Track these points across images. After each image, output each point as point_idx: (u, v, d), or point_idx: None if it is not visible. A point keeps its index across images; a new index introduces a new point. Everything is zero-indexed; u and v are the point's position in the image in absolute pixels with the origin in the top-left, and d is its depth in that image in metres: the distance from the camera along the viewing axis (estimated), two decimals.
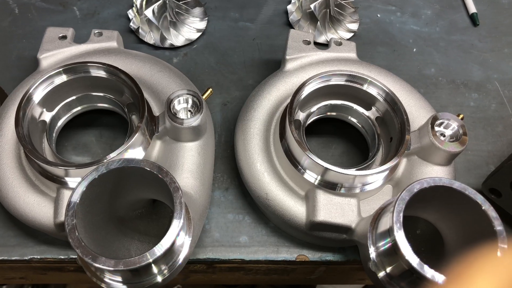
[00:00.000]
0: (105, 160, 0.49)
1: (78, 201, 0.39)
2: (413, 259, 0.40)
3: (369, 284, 0.92)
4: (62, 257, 0.56)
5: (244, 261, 0.58)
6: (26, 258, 0.56)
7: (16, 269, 0.59)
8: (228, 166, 0.65)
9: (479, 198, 0.43)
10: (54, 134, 0.58)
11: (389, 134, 0.60)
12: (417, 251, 0.54)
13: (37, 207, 0.52)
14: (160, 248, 0.39)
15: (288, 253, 0.59)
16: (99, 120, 0.65)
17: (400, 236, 0.42)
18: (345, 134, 0.67)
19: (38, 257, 0.56)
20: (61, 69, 0.53)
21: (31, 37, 0.74)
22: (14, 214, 0.53)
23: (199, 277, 0.66)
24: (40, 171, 0.52)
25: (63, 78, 0.54)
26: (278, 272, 0.63)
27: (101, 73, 0.56)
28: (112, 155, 0.50)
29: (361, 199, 0.57)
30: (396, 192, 0.58)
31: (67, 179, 0.51)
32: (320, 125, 0.65)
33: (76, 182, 0.51)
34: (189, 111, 0.56)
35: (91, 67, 0.55)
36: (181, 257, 0.45)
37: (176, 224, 0.40)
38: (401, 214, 0.43)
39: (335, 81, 0.59)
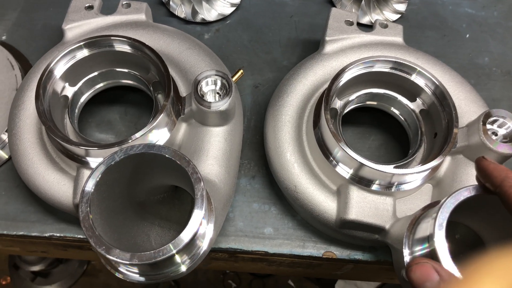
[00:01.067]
0: (129, 141, 0.47)
1: (92, 190, 0.36)
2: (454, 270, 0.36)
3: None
4: (82, 236, 0.55)
5: (268, 254, 0.55)
6: (46, 235, 0.55)
7: (37, 244, 0.59)
8: (256, 153, 0.61)
9: None
10: (76, 110, 0.55)
11: (433, 129, 0.54)
12: (454, 258, 0.51)
13: (56, 185, 0.50)
14: (177, 243, 0.36)
15: (314, 249, 0.56)
16: (125, 96, 0.63)
17: (441, 246, 0.38)
18: (384, 125, 0.62)
19: (58, 234, 0.55)
20: (83, 43, 0.50)
21: (58, 5, 0.72)
22: (34, 190, 0.51)
23: (221, 264, 0.63)
24: (60, 148, 0.50)
25: (86, 52, 0.52)
26: (302, 265, 0.60)
27: (126, 48, 0.52)
28: (137, 135, 0.47)
29: (397, 198, 0.52)
30: (437, 192, 0.53)
31: (88, 158, 0.49)
32: (358, 114, 0.61)
33: (97, 162, 0.49)
34: (218, 93, 0.52)
35: (115, 41, 0.52)
36: (202, 249, 0.42)
37: (197, 218, 0.37)
38: (445, 223, 0.38)
39: (379, 68, 0.53)
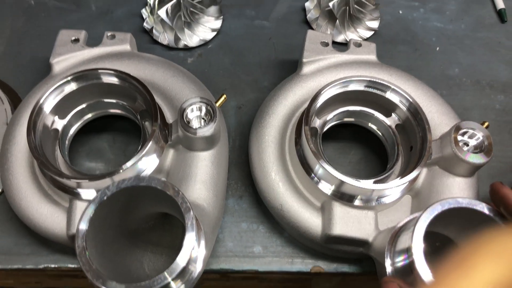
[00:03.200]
0: (120, 171, 0.48)
1: (87, 226, 0.38)
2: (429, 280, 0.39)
3: None
4: (76, 265, 0.56)
5: (258, 272, 0.57)
6: (41, 267, 0.56)
7: (32, 275, 0.60)
8: (242, 172, 0.63)
9: (502, 221, 0.41)
10: (67, 142, 0.57)
11: (409, 143, 0.57)
12: (435, 265, 0.53)
13: (50, 217, 0.52)
14: (172, 271, 0.38)
15: (303, 264, 0.58)
16: (113, 124, 0.65)
17: (418, 258, 0.40)
18: (363, 140, 0.65)
19: (53, 265, 0.56)
20: (70, 77, 0.52)
21: (44, 37, 0.74)
22: (27, 224, 0.52)
23: (213, 284, 0.65)
24: (52, 181, 0.52)
25: (74, 86, 0.53)
26: (292, 281, 0.62)
27: (113, 80, 0.54)
28: (128, 164, 0.49)
29: (378, 211, 0.55)
30: (416, 203, 0.56)
31: (80, 190, 0.51)
32: (338, 129, 0.63)
33: (89, 193, 0.51)
34: (203, 118, 0.54)
35: (103, 74, 0.54)
36: (195, 273, 0.44)
37: (188, 246, 0.39)
38: (422, 235, 0.41)
39: (354, 87, 0.56)
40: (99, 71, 0.53)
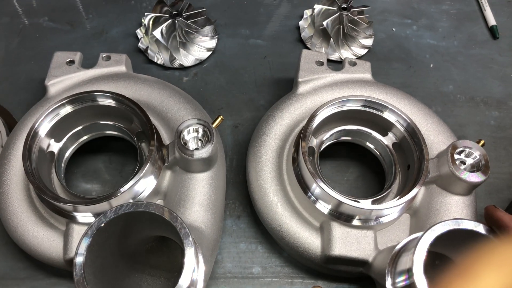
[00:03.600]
0: (118, 194, 0.48)
1: (85, 253, 0.37)
2: None
3: None
4: None
5: None
6: None
7: None
8: (240, 192, 0.63)
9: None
10: (63, 165, 0.57)
11: (406, 161, 0.58)
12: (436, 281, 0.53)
13: (46, 241, 0.51)
14: None
15: (302, 285, 0.57)
16: (108, 145, 0.64)
17: (419, 279, 0.40)
18: (360, 158, 0.65)
19: None
20: (66, 100, 0.52)
21: (39, 58, 0.73)
22: (23, 248, 0.52)
23: None
24: (49, 205, 0.51)
25: (69, 108, 0.53)
26: None
27: (109, 102, 0.54)
28: (126, 187, 0.49)
29: (377, 230, 0.55)
30: (414, 221, 0.56)
31: (76, 214, 0.50)
32: (336, 147, 0.63)
33: (86, 216, 0.51)
34: (200, 140, 0.54)
35: (98, 96, 0.54)
36: None
37: (188, 271, 0.38)
38: (423, 257, 0.41)
39: (350, 106, 0.57)
40: (95, 93, 0.53)
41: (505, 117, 0.72)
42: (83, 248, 0.38)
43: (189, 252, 0.38)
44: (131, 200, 0.52)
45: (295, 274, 0.58)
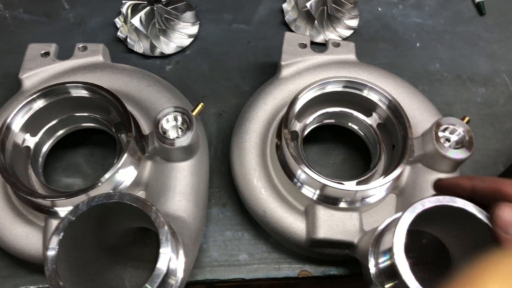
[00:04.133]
0: (96, 186, 0.47)
1: (57, 247, 0.36)
2: (413, 284, 0.38)
3: None
4: None
5: (245, 280, 0.56)
6: None
7: None
8: (225, 180, 0.62)
9: (483, 215, 0.40)
10: (40, 159, 0.55)
11: (391, 141, 0.57)
12: (422, 263, 0.52)
13: (25, 238, 0.50)
14: None
15: (290, 270, 0.57)
16: (89, 138, 0.63)
17: (400, 259, 0.39)
18: (346, 140, 0.64)
19: (32, 287, 0.54)
20: (37, 94, 0.51)
21: (15, 52, 0.71)
22: (2, 246, 0.51)
23: None
24: (26, 201, 0.50)
25: (42, 102, 0.52)
26: (281, 286, 0.61)
27: (83, 93, 0.53)
28: (102, 180, 0.48)
29: (363, 212, 0.54)
30: (400, 201, 0.55)
31: (55, 208, 0.49)
32: (321, 131, 0.62)
33: (64, 211, 0.49)
34: (180, 128, 0.53)
35: (71, 88, 0.52)
36: (175, 286, 0.42)
37: (163, 261, 0.37)
38: (403, 236, 0.40)
39: (331, 88, 0.55)
40: (67, 85, 0.52)
41: (492, 94, 0.71)
42: (54, 243, 0.37)
43: (165, 242, 0.37)
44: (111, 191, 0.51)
45: (282, 260, 0.57)
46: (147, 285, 0.37)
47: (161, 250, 0.37)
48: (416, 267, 0.52)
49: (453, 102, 0.70)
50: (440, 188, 0.45)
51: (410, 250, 0.53)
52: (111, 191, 0.39)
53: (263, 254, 0.57)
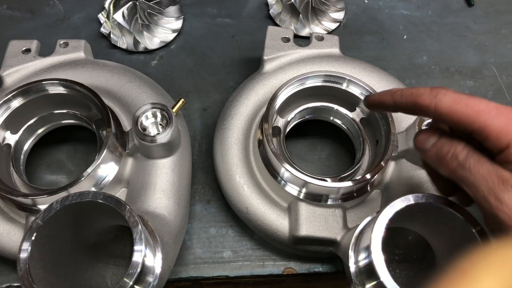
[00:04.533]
0: (77, 183, 0.47)
1: (30, 248, 0.36)
2: (390, 283, 0.37)
3: None
4: None
5: (229, 278, 0.56)
6: (3, 286, 0.54)
7: None
8: (209, 176, 0.61)
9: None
10: (22, 157, 0.55)
11: (375, 137, 0.56)
12: (408, 261, 0.52)
13: (6, 236, 0.50)
14: None
15: (274, 267, 0.56)
16: (72, 135, 0.62)
17: (377, 258, 0.39)
18: (333, 135, 0.63)
19: (16, 284, 0.54)
20: (13, 93, 0.50)
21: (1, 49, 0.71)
22: None
23: None
24: (5, 199, 0.50)
25: (20, 100, 0.51)
26: (267, 283, 0.61)
27: (60, 90, 0.52)
28: (82, 178, 0.47)
29: (347, 208, 0.54)
30: (385, 197, 0.55)
31: (37, 206, 0.49)
32: (307, 126, 0.62)
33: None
34: (160, 124, 0.53)
35: (47, 85, 0.52)
36: (153, 284, 0.42)
37: (136, 261, 0.37)
38: (381, 234, 0.40)
39: (311, 83, 0.55)
40: (43, 82, 0.51)
41: (480, 86, 0.70)
42: (27, 243, 0.37)
43: (138, 241, 0.37)
44: (93, 189, 0.50)
45: (266, 257, 0.57)
46: (125, 279, 0.37)
47: (135, 248, 0.37)
48: (402, 265, 0.52)
49: None
50: (369, 105, 0.47)
51: (395, 247, 0.53)
52: (85, 190, 0.39)
53: (248, 251, 0.57)
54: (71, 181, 0.48)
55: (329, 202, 0.52)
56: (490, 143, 0.35)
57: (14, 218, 0.51)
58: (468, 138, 0.37)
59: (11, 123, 0.53)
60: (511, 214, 0.33)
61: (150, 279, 0.42)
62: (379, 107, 0.46)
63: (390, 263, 0.52)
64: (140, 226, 0.37)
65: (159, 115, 0.51)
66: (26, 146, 0.56)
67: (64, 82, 0.51)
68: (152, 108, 0.50)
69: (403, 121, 0.56)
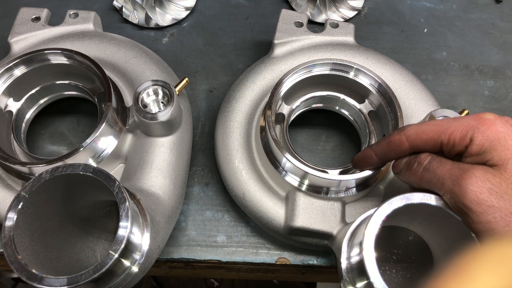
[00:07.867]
0: (72, 155, 0.47)
1: (16, 217, 0.36)
2: (378, 282, 0.36)
3: None
4: None
5: (221, 262, 0.55)
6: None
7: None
8: (210, 159, 0.60)
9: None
10: (23, 125, 0.55)
11: (382, 131, 0.54)
12: (407, 261, 0.50)
13: (2, 202, 0.50)
14: (98, 269, 0.36)
15: (267, 256, 0.55)
16: (77, 107, 0.62)
17: (368, 255, 0.37)
18: (339, 126, 0.62)
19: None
20: (16, 61, 0.50)
21: (12, 16, 0.70)
22: None
23: (181, 272, 0.63)
24: (5, 166, 0.50)
25: (23, 69, 0.51)
26: (261, 271, 0.60)
27: (62, 60, 0.52)
28: (84, 143, 0.47)
29: (347, 202, 0.52)
30: (388, 194, 0.53)
31: (32, 175, 0.49)
32: (314, 115, 0.60)
33: None
34: (162, 102, 0.52)
35: (50, 54, 0.51)
36: (139, 262, 0.42)
37: (121, 236, 0.36)
38: (375, 232, 0.38)
39: (318, 71, 0.53)
40: (46, 51, 0.50)
41: (501, 87, 0.67)
42: (13, 212, 0.36)
43: (124, 218, 0.36)
44: (90, 161, 0.50)
45: (261, 245, 0.56)
46: (110, 251, 0.36)
47: (120, 224, 0.36)
48: (399, 265, 0.50)
49: (458, 94, 0.66)
50: (355, 164, 0.48)
51: (393, 247, 0.51)
52: (77, 163, 0.38)
53: (242, 237, 0.56)
54: (67, 152, 0.47)
55: (329, 195, 0.50)
56: (458, 147, 0.38)
57: (11, 185, 0.51)
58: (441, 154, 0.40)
59: (14, 91, 0.53)
60: (475, 198, 0.35)
61: (136, 256, 0.41)
62: (365, 162, 0.46)
63: (387, 263, 0.50)
64: (127, 203, 0.36)
65: (160, 92, 0.50)
66: (28, 114, 0.56)
67: (67, 52, 0.50)
68: (154, 85, 0.49)
69: (413, 116, 0.54)
